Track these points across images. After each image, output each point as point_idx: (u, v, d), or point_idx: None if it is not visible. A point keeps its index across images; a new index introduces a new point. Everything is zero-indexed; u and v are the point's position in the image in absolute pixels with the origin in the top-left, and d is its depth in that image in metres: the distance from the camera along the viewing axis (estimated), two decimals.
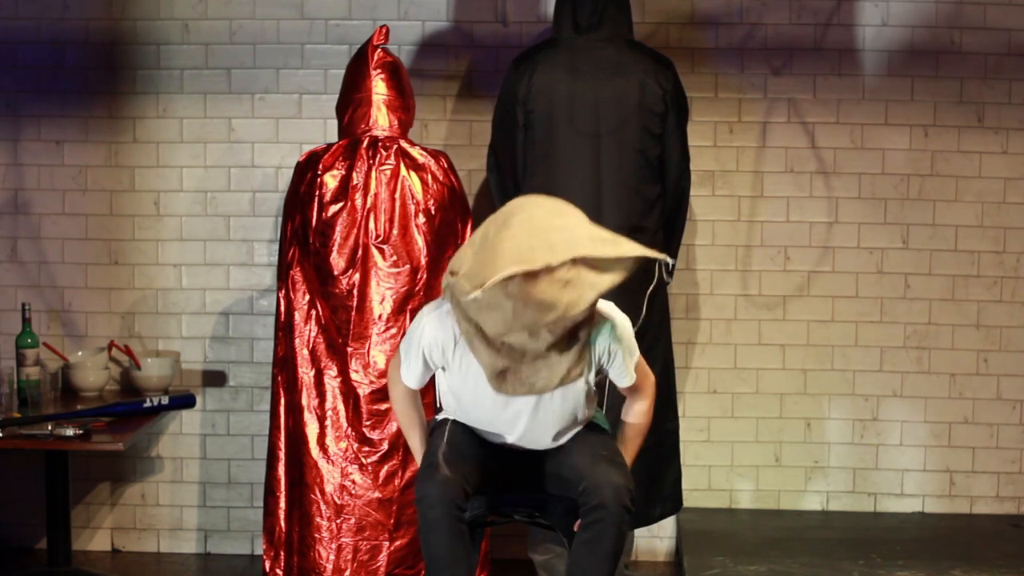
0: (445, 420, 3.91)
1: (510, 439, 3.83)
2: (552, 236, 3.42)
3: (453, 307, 3.60)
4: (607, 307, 3.74)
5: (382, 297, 4.55)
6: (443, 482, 3.67)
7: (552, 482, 3.89)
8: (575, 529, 3.77)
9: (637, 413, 3.93)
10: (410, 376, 3.82)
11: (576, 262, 3.40)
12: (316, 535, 4.55)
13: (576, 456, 3.79)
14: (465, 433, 3.84)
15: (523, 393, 3.67)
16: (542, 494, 3.94)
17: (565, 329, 3.55)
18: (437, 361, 3.75)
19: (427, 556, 3.72)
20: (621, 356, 3.75)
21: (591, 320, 3.63)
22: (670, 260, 3.58)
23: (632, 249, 3.49)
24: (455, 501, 3.67)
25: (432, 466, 3.72)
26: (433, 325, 3.70)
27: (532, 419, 3.76)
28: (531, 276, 3.37)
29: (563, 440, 3.86)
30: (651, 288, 4.07)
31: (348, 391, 4.55)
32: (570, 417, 3.80)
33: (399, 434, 4.52)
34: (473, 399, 3.76)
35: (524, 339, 3.53)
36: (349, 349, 4.54)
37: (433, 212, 4.58)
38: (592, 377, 3.76)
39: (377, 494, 4.54)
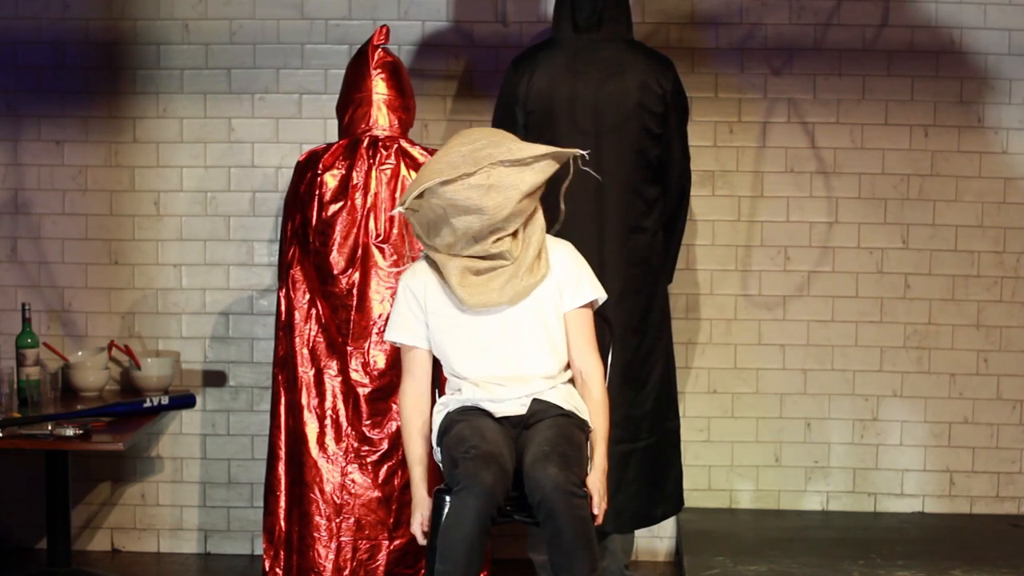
0: (470, 412, 3.91)
1: (489, 368, 3.90)
2: (478, 153, 3.76)
3: (420, 239, 3.91)
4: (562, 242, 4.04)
5: (382, 297, 4.54)
6: (495, 477, 3.66)
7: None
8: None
9: (592, 382, 3.95)
10: (393, 330, 3.99)
11: (495, 166, 3.74)
12: (316, 534, 4.54)
13: (524, 459, 3.78)
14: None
15: (483, 303, 3.83)
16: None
17: (507, 233, 3.82)
18: (415, 305, 3.94)
19: (446, 545, 3.68)
20: (578, 274, 3.95)
21: (541, 232, 3.90)
22: (583, 153, 3.86)
23: (544, 148, 3.82)
24: (497, 501, 3.68)
25: (487, 457, 3.70)
26: (407, 277, 4.00)
27: (500, 336, 3.88)
28: (450, 184, 3.72)
29: (541, 377, 3.91)
30: (565, 185, 4.06)
31: (348, 390, 4.55)
32: (539, 333, 3.89)
33: (399, 433, 4.51)
34: (446, 331, 3.91)
35: (480, 247, 3.82)
36: (349, 348, 4.54)
37: None
38: (556, 296, 3.92)
39: (377, 493, 4.54)
